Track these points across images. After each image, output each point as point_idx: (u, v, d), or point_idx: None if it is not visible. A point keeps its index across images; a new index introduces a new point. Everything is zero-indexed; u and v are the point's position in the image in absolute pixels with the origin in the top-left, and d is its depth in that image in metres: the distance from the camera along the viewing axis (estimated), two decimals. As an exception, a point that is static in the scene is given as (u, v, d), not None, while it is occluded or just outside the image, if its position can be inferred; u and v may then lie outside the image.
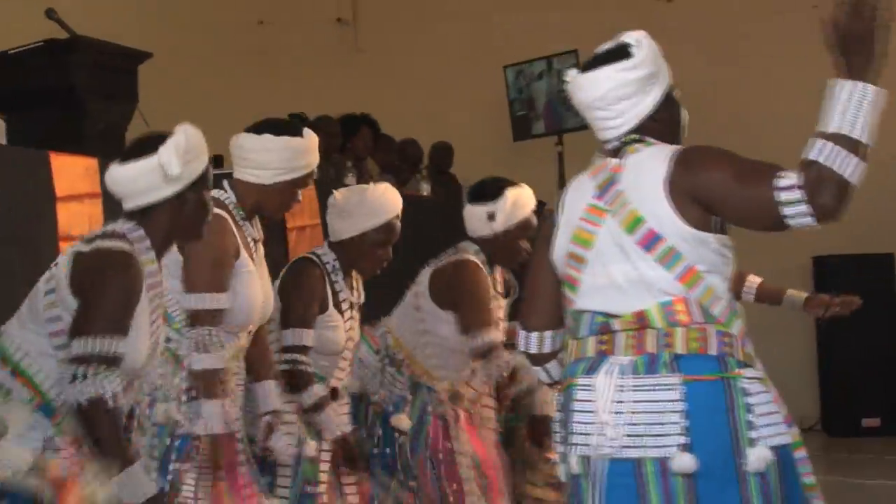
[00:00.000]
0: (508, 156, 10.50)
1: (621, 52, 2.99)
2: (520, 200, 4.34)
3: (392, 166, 8.55)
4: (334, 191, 4.29)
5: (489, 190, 4.36)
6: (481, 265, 4.31)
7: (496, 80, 10.35)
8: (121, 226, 2.98)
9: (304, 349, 3.98)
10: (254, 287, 3.62)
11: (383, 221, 4.12)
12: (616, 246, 2.88)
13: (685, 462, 2.75)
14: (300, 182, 3.73)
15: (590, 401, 2.84)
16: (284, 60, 10.76)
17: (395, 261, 4.23)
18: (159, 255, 3.04)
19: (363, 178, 7.21)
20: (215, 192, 3.62)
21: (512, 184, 4.39)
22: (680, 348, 2.80)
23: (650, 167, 2.88)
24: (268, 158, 3.67)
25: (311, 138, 3.75)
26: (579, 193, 3.00)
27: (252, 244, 3.69)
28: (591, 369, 2.86)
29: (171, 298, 3.45)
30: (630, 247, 2.86)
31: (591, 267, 2.92)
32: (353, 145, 8.13)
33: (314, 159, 3.76)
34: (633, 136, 2.98)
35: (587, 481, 2.85)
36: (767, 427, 2.77)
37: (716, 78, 9.61)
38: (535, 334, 3.15)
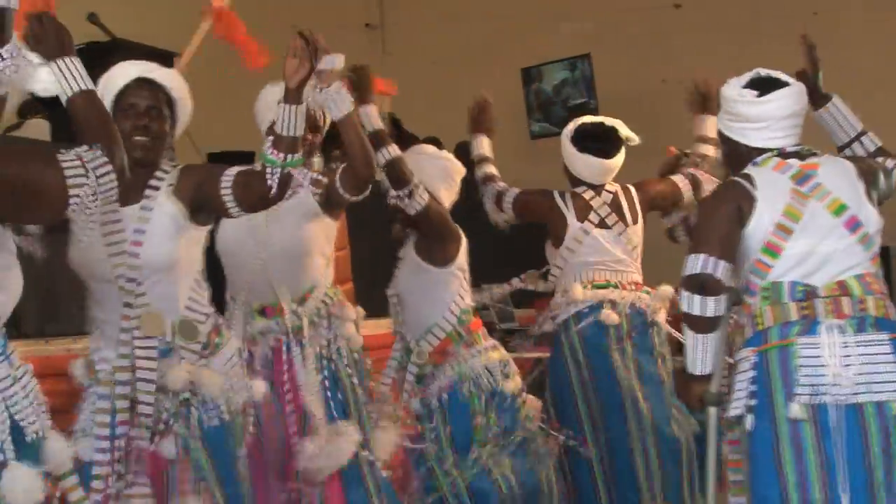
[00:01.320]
0: (526, 153, 10.45)
1: (782, 82, 3.60)
2: None
3: (415, 162, 8.51)
4: None
5: None
6: None
7: (514, 81, 10.30)
8: None
9: None
10: None
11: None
12: (819, 224, 3.30)
13: None
14: None
15: (817, 356, 3.19)
16: (316, 63, 10.73)
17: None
18: None
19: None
20: None
21: None
22: (873, 312, 3.24)
23: (842, 171, 3.42)
24: None
25: None
26: (773, 178, 3.40)
27: None
28: (808, 331, 3.23)
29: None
30: (835, 226, 3.30)
31: (795, 238, 3.30)
32: (378, 143, 8.10)
33: None
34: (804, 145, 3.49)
35: (812, 426, 3.18)
36: None
37: (722, 82, 9.50)
38: (723, 262, 3.34)
